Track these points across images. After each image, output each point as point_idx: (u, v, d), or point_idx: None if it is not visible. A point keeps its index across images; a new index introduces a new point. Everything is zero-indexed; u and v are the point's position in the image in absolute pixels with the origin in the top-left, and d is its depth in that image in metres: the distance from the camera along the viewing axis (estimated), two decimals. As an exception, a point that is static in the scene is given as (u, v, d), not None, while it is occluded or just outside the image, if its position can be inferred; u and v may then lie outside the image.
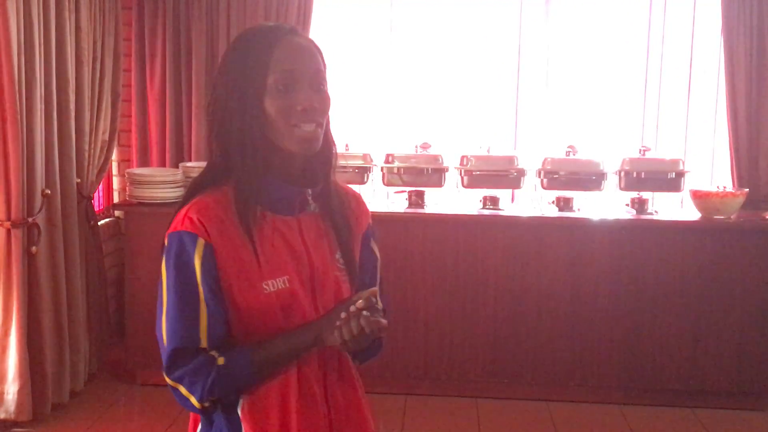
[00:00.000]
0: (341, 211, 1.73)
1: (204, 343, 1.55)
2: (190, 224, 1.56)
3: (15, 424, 3.87)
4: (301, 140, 1.58)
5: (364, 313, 1.53)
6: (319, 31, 4.97)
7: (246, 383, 1.57)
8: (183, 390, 1.56)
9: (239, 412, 1.59)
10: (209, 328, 1.55)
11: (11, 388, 3.81)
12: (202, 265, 1.54)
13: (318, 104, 1.58)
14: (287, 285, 1.60)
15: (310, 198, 1.68)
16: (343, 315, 1.54)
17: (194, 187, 1.65)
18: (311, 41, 1.64)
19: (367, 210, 1.83)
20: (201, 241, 1.54)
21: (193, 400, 1.56)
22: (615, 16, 5.19)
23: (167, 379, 1.57)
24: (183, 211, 1.59)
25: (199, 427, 1.66)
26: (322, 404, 1.65)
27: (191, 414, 1.71)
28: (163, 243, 1.60)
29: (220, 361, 1.54)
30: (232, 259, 1.56)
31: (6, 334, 3.80)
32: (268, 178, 1.61)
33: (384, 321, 1.55)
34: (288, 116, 1.56)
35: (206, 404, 1.57)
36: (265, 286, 1.57)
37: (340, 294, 1.68)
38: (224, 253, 1.56)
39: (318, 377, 1.65)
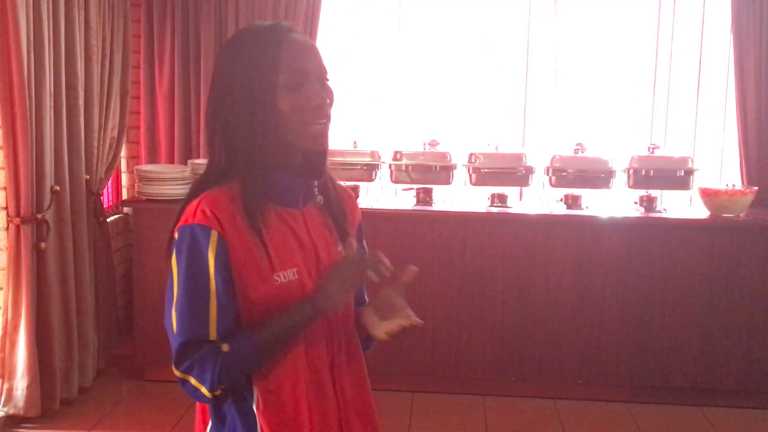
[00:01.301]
0: (339, 204, 1.76)
1: (213, 336, 1.56)
2: (203, 217, 1.56)
3: (24, 419, 3.88)
4: (314, 136, 1.61)
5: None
6: (327, 28, 4.96)
7: (252, 365, 1.58)
8: (193, 381, 1.56)
9: (254, 407, 1.60)
10: (219, 321, 1.56)
11: (20, 384, 3.83)
12: (216, 258, 1.55)
13: (328, 99, 1.62)
14: (296, 277, 1.62)
15: (316, 190, 1.70)
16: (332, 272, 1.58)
17: (199, 186, 1.65)
18: (307, 37, 1.69)
19: (358, 207, 1.86)
20: (215, 234, 1.55)
21: (204, 390, 1.55)
22: (624, 13, 5.18)
23: (176, 372, 1.57)
24: (194, 204, 1.59)
25: (209, 424, 1.66)
26: (331, 392, 1.67)
27: (198, 412, 1.71)
28: (172, 237, 1.60)
29: (224, 347, 1.55)
30: (244, 253, 1.57)
31: (15, 329, 3.81)
32: (275, 172, 1.63)
33: (387, 262, 1.59)
34: (302, 113, 1.59)
35: (217, 392, 1.57)
36: (276, 278, 1.59)
37: None
38: (236, 247, 1.56)
39: (326, 364, 1.66)
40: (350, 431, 1.69)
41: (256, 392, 1.60)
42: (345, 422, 1.69)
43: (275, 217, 1.63)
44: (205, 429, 1.67)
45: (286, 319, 1.58)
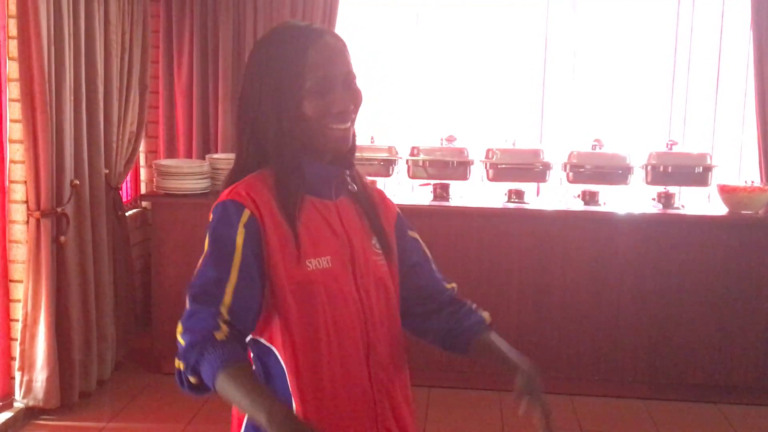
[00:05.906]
0: (368, 198, 1.77)
1: (228, 301, 1.50)
2: (237, 195, 1.58)
3: (43, 411, 3.92)
4: (336, 140, 1.63)
5: None
6: (345, 24, 4.97)
7: (207, 375, 1.44)
8: (179, 334, 1.48)
9: (293, 407, 1.58)
10: (234, 298, 1.52)
11: (39, 376, 3.86)
12: (246, 236, 1.55)
13: (352, 104, 1.64)
14: (330, 265, 1.62)
15: (349, 179, 1.71)
16: None
17: (232, 178, 1.66)
18: (339, 39, 1.67)
19: (392, 204, 1.86)
20: (247, 212, 1.56)
21: (181, 340, 1.47)
22: (643, 9, 5.15)
23: (178, 330, 1.49)
24: (230, 187, 1.61)
25: (244, 423, 1.63)
26: (368, 383, 1.66)
27: (234, 414, 1.66)
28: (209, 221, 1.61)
29: (219, 336, 1.45)
30: (277, 237, 1.57)
31: (35, 322, 3.84)
32: (307, 163, 1.64)
33: None
34: (323, 117, 1.60)
35: (187, 363, 1.45)
36: (308, 263, 1.59)
37: (381, 278, 1.71)
38: (270, 230, 1.57)
39: (362, 363, 1.65)
40: (386, 422, 1.69)
41: (293, 397, 1.58)
42: (381, 415, 1.68)
43: (310, 208, 1.65)
44: (240, 428, 1.64)
45: (249, 390, 1.42)
